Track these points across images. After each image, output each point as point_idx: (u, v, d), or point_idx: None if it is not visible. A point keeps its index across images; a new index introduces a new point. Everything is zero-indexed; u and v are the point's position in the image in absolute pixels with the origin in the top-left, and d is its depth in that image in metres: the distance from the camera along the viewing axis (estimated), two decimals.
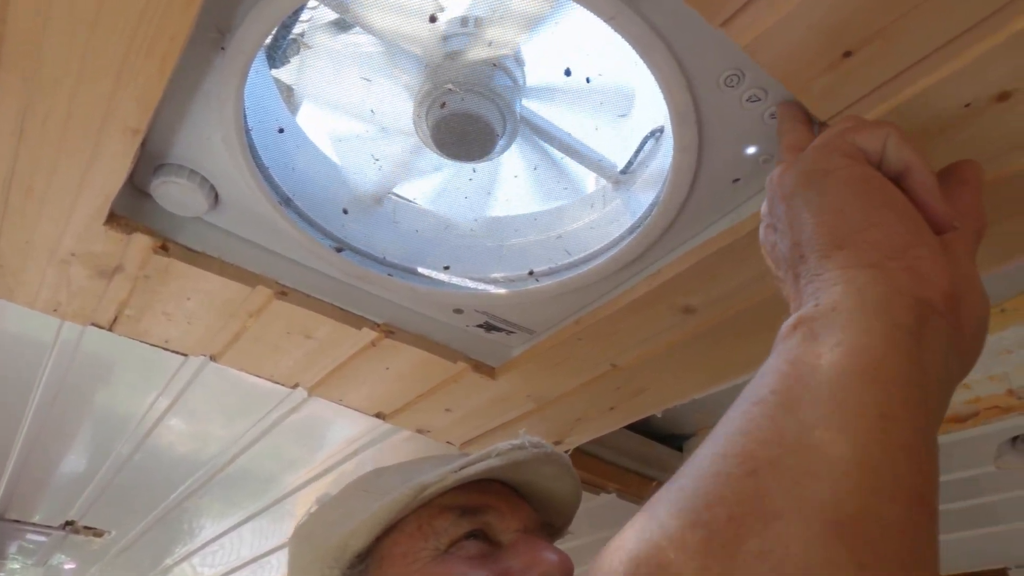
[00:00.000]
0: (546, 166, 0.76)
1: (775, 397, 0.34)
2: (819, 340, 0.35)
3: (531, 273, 0.79)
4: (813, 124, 0.54)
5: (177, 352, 0.93)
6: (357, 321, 0.84)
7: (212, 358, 0.94)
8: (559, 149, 0.74)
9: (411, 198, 0.82)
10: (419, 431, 1.09)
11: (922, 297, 0.36)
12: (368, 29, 0.64)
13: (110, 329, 0.88)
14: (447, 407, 1.01)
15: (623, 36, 0.52)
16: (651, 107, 0.68)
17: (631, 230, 0.71)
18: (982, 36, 0.45)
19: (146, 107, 0.57)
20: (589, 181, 0.80)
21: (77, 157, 0.62)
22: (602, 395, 0.94)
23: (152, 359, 1.09)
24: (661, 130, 0.69)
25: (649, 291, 0.73)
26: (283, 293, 0.80)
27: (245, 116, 0.64)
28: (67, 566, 2.52)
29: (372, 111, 0.70)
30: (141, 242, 0.72)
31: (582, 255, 0.76)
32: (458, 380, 0.93)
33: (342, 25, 0.68)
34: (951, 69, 0.47)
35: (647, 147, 0.71)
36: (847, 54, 0.47)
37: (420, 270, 0.80)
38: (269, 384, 0.99)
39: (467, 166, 0.77)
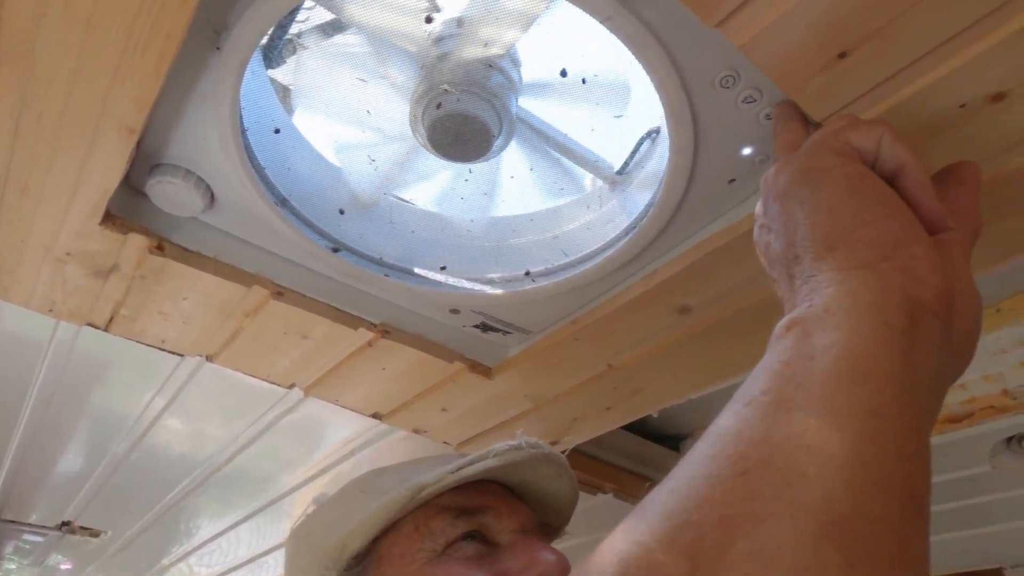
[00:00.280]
0: (542, 167, 0.76)
1: (767, 397, 0.34)
2: (812, 341, 0.35)
3: (528, 273, 0.79)
4: (809, 124, 0.54)
5: (173, 352, 0.93)
6: (353, 321, 0.84)
7: (208, 358, 0.94)
8: (555, 150, 0.74)
9: (407, 198, 0.82)
10: (416, 431, 1.09)
11: (915, 297, 0.36)
12: (364, 30, 0.64)
13: (106, 329, 0.88)
14: (443, 407, 1.01)
15: (619, 37, 0.52)
16: (647, 108, 0.68)
17: (627, 230, 0.71)
18: (978, 36, 0.45)
19: (142, 106, 0.57)
20: (586, 182, 0.80)
21: (72, 155, 0.62)
22: (599, 395, 0.94)
23: (148, 359, 1.09)
24: (657, 131, 0.69)
25: (645, 291, 0.73)
26: (279, 293, 0.79)
27: (241, 116, 0.63)
28: (63, 566, 2.52)
29: (368, 112, 0.70)
30: (137, 242, 0.72)
31: (579, 255, 0.76)
32: (455, 380, 0.93)
33: (338, 26, 0.68)
34: (947, 69, 0.47)
35: (643, 148, 0.72)
36: (842, 55, 0.47)
37: (417, 270, 0.80)
38: (266, 384, 0.99)
39: (463, 167, 0.77)
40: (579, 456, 1.27)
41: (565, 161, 0.75)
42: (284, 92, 0.72)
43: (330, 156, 0.77)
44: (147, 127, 0.61)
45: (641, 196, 0.70)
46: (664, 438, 1.38)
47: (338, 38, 0.67)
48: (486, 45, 0.62)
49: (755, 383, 0.35)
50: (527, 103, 0.71)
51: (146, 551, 2.22)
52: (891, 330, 0.35)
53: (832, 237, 0.40)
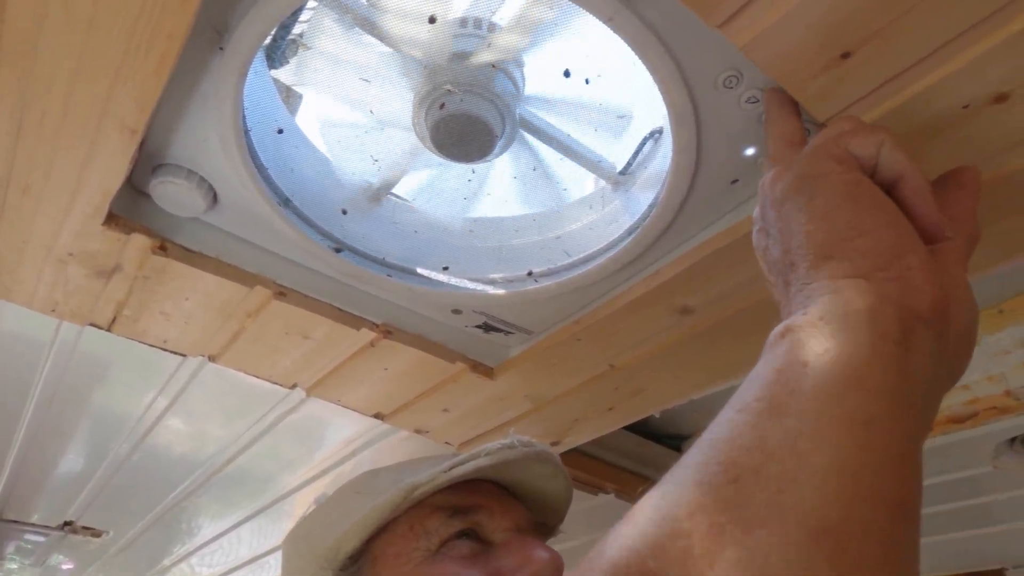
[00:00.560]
0: (545, 167, 0.76)
1: (760, 404, 0.34)
2: (805, 349, 0.35)
3: (530, 274, 0.79)
4: (802, 115, 0.53)
5: (175, 352, 0.93)
6: (355, 321, 0.84)
7: (210, 358, 0.94)
8: (558, 150, 0.74)
9: (410, 199, 0.82)
10: (417, 431, 1.09)
11: (909, 307, 0.36)
12: (367, 30, 0.64)
13: (108, 329, 0.88)
14: (445, 407, 1.01)
15: (621, 37, 0.52)
16: (650, 108, 0.68)
17: (630, 231, 0.71)
18: (980, 37, 0.45)
19: (144, 107, 0.57)
20: (588, 182, 0.80)
21: (74, 156, 0.62)
22: (600, 395, 0.94)
23: (150, 359, 1.09)
24: (660, 131, 0.69)
25: (647, 292, 0.73)
26: (281, 293, 0.80)
27: (244, 116, 0.64)
28: (65, 566, 2.52)
29: (371, 112, 0.70)
30: (139, 242, 0.72)
31: (581, 256, 0.76)
32: (456, 380, 0.93)
33: (341, 26, 0.68)
34: (949, 70, 0.47)
35: (646, 148, 0.72)
36: (845, 55, 0.47)
37: (419, 270, 0.80)
38: (267, 384, 0.99)
39: (466, 167, 0.77)
40: (580, 456, 1.27)
41: (568, 162, 0.75)
42: (287, 92, 0.72)
43: (333, 156, 0.77)
44: (149, 127, 0.61)
45: (644, 196, 0.70)
46: (665, 438, 1.38)
47: (341, 38, 0.67)
48: (490, 46, 0.62)
49: (748, 390, 0.36)
50: (530, 103, 0.71)
51: (147, 551, 2.22)
52: (885, 340, 0.35)
53: (828, 245, 0.40)
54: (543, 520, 0.68)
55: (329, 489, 0.70)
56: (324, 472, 1.46)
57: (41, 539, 2.10)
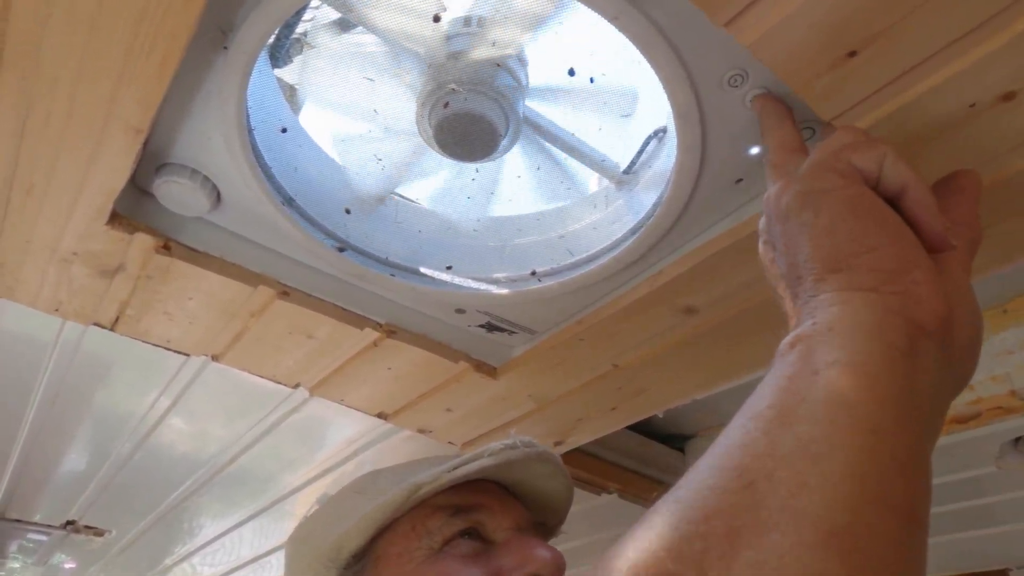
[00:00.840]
0: (549, 166, 0.76)
1: (772, 411, 0.35)
2: (815, 358, 0.36)
3: (533, 273, 0.79)
4: (796, 122, 0.54)
5: (178, 352, 0.93)
6: (359, 321, 0.84)
7: (213, 358, 0.94)
8: (562, 149, 0.74)
9: (413, 198, 0.82)
10: (420, 431, 1.09)
11: (915, 320, 0.37)
12: (371, 29, 0.64)
13: (111, 329, 0.88)
14: (448, 407, 1.01)
15: (626, 36, 0.52)
16: (654, 107, 0.68)
17: (633, 230, 0.71)
18: (986, 36, 0.45)
19: (148, 106, 0.57)
20: (592, 181, 0.80)
21: (78, 156, 0.62)
22: (603, 395, 0.94)
23: (153, 359, 1.09)
24: (664, 130, 0.69)
25: (651, 291, 0.72)
26: (285, 293, 0.79)
27: (248, 116, 0.64)
28: (67, 565, 2.52)
29: (375, 111, 0.70)
30: (143, 242, 0.72)
31: (584, 255, 0.76)
32: (459, 380, 0.93)
33: (345, 25, 0.68)
34: (955, 69, 0.47)
35: (650, 147, 0.71)
36: (851, 54, 0.47)
37: (422, 270, 0.80)
38: (270, 384, 0.99)
39: (470, 166, 0.77)
40: (583, 456, 1.27)
41: (572, 160, 0.75)
42: (290, 91, 0.72)
43: (336, 156, 0.77)
44: (153, 127, 0.61)
45: (647, 196, 0.70)
46: (668, 438, 1.38)
47: (345, 37, 0.67)
48: (494, 45, 0.62)
49: (760, 397, 0.36)
50: (534, 102, 0.70)
51: (149, 551, 2.22)
52: (892, 350, 0.36)
53: (835, 259, 0.41)
54: (543, 520, 0.68)
55: (331, 489, 0.70)
56: (326, 472, 1.46)
57: (43, 538, 2.10)
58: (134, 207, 0.72)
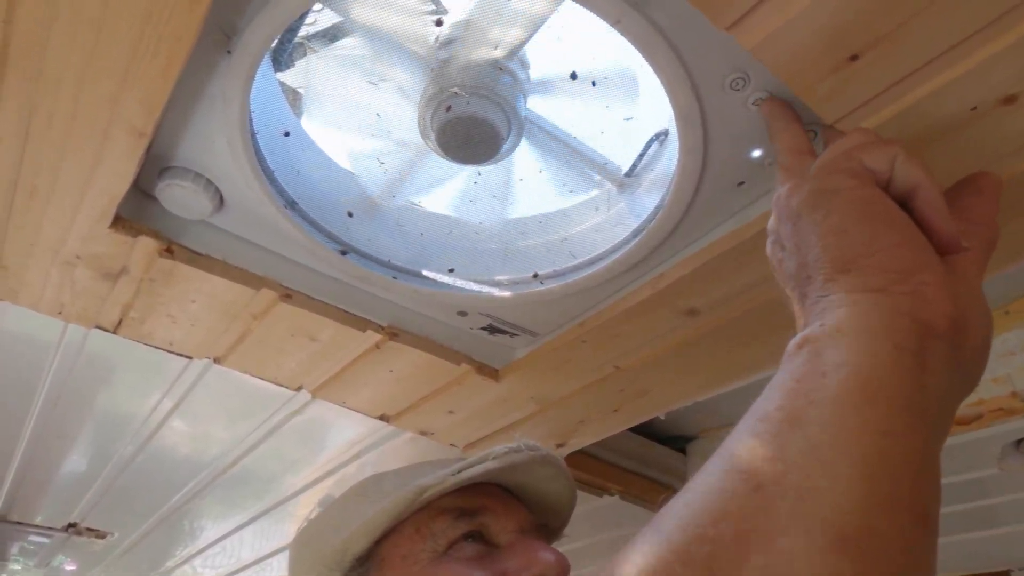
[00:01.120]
0: (551, 169, 0.76)
1: (780, 414, 0.35)
2: (824, 360, 0.36)
3: (535, 276, 0.79)
4: (804, 125, 0.54)
5: (181, 354, 0.94)
6: (361, 323, 0.84)
7: (216, 360, 0.94)
8: (564, 152, 0.74)
9: (415, 201, 0.82)
10: (422, 433, 1.09)
11: (925, 321, 0.37)
12: (373, 33, 0.64)
13: (114, 331, 0.88)
14: (450, 409, 1.01)
15: (629, 39, 0.52)
16: (656, 110, 0.68)
17: (636, 233, 0.71)
18: (987, 40, 0.45)
19: (152, 109, 0.57)
20: (594, 184, 0.80)
21: (82, 159, 0.62)
22: (605, 397, 0.94)
23: (156, 361, 1.09)
24: (665, 133, 0.69)
25: (653, 294, 0.73)
26: (287, 296, 0.80)
27: (251, 119, 0.64)
28: (68, 567, 2.52)
29: (378, 115, 0.70)
30: (146, 245, 0.72)
31: (586, 258, 0.76)
32: (461, 382, 0.93)
33: (347, 29, 0.68)
34: (957, 72, 0.47)
35: (651, 150, 0.72)
36: (853, 57, 0.47)
37: (424, 273, 0.80)
38: (272, 387, 0.99)
39: (472, 169, 0.77)
40: (585, 458, 1.27)
41: (574, 163, 0.75)
42: (293, 95, 0.72)
43: (339, 159, 0.77)
44: (157, 130, 0.62)
45: (649, 198, 0.70)
46: (670, 439, 1.38)
47: (347, 41, 0.67)
48: (496, 48, 0.62)
49: (769, 400, 0.36)
50: (536, 105, 0.71)
51: (151, 553, 2.22)
52: (901, 351, 0.35)
53: (844, 260, 0.40)
54: (546, 522, 0.69)
55: (334, 491, 0.70)
56: (328, 474, 1.46)
57: (45, 540, 2.10)
58: (137, 210, 0.72)
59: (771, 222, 0.48)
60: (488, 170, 0.78)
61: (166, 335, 0.89)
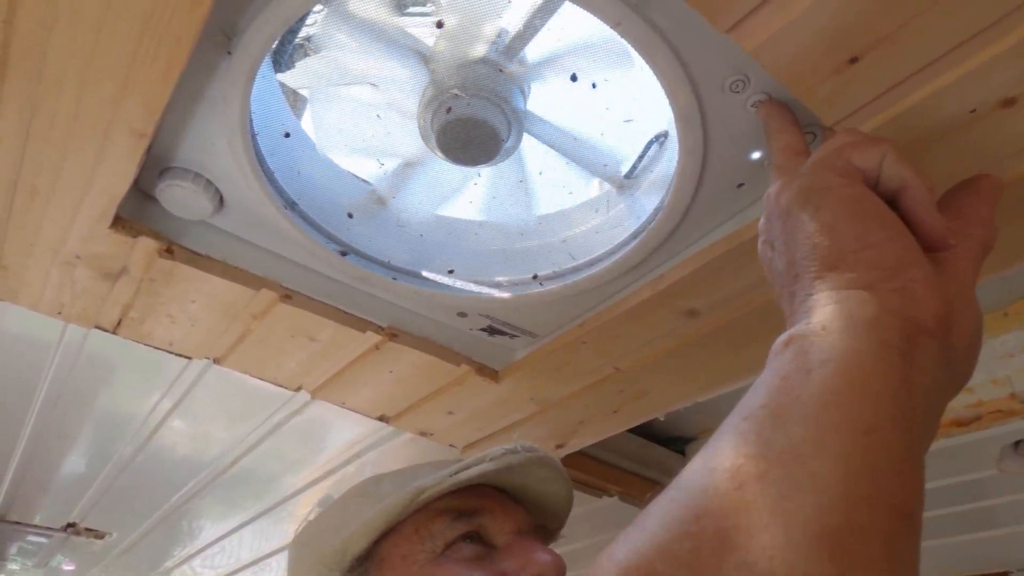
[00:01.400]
0: (551, 170, 0.76)
1: (764, 411, 0.35)
2: (809, 357, 0.36)
3: (535, 277, 0.79)
4: (801, 127, 0.54)
5: (181, 355, 0.94)
6: (361, 324, 0.84)
7: (216, 361, 0.94)
8: (564, 153, 0.74)
9: (416, 202, 0.82)
10: (422, 434, 1.09)
11: (912, 318, 0.37)
12: (373, 34, 0.64)
13: (114, 332, 0.88)
14: (450, 410, 1.01)
15: (629, 41, 0.52)
16: (656, 111, 0.68)
17: (635, 234, 0.71)
18: (987, 42, 0.45)
19: (152, 110, 0.57)
20: (594, 185, 0.80)
21: (83, 160, 0.62)
22: (605, 398, 0.94)
23: (155, 361, 1.09)
24: (665, 135, 0.69)
25: (653, 295, 0.73)
26: (287, 296, 0.80)
27: (251, 120, 0.64)
28: (67, 567, 2.52)
29: (378, 115, 0.70)
30: (146, 245, 0.72)
31: (586, 259, 0.76)
32: (461, 383, 0.93)
33: (347, 30, 0.68)
34: (957, 74, 0.47)
35: (651, 152, 0.72)
36: (853, 59, 0.47)
37: (424, 274, 0.80)
38: (271, 387, 0.99)
39: (472, 170, 0.77)
40: (584, 458, 1.27)
41: (573, 165, 0.75)
42: (293, 96, 0.72)
43: (339, 160, 0.77)
44: (157, 131, 0.62)
45: (649, 200, 0.70)
46: (669, 440, 1.38)
47: (347, 42, 0.67)
48: (497, 49, 0.62)
49: (754, 397, 0.36)
50: (536, 107, 0.71)
51: (150, 553, 2.22)
52: (887, 349, 0.35)
53: (832, 257, 0.40)
54: (544, 523, 0.69)
55: (333, 491, 0.70)
56: (328, 474, 1.46)
57: (44, 540, 2.10)
58: (137, 210, 0.72)
59: (762, 221, 0.48)
60: (488, 171, 0.78)
61: (166, 335, 0.89)
